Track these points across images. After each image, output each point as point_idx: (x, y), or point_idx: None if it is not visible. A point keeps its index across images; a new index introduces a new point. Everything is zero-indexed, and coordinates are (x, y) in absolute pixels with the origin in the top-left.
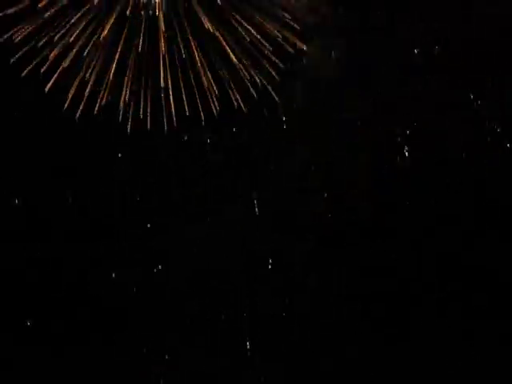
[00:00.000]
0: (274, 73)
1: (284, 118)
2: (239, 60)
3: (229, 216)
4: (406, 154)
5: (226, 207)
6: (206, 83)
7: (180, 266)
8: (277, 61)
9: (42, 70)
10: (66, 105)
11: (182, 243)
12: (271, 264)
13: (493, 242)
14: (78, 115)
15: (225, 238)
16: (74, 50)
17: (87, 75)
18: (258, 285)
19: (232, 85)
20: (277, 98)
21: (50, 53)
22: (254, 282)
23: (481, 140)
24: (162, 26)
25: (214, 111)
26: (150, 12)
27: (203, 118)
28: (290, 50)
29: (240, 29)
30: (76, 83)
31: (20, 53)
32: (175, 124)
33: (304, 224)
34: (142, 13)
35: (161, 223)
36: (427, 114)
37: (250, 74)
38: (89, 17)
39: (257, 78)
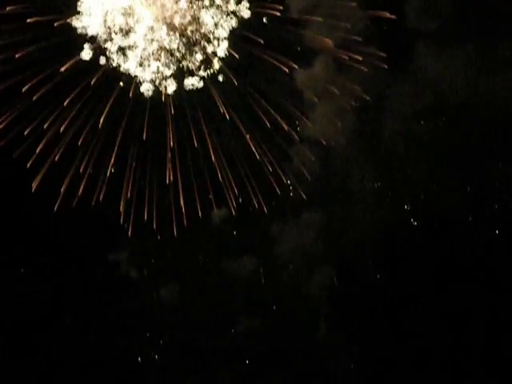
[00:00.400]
0: (305, 172)
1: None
2: (261, 151)
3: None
4: (415, 223)
5: (237, 276)
6: (221, 177)
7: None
8: (308, 153)
9: (28, 165)
10: (56, 206)
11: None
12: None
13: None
14: (69, 217)
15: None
16: (66, 140)
17: (81, 169)
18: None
19: (252, 181)
20: (305, 197)
21: (38, 143)
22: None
23: (483, 206)
24: (171, 111)
25: (233, 211)
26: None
27: (218, 221)
28: (323, 141)
29: (261, 113)
30: (68, 179)
31: (2, 143)
32: (185, 225)
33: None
34: (146, 89)
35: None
36: (433, 183)
37: (274, 168)
38: (83, 99)
39: (284, 178)
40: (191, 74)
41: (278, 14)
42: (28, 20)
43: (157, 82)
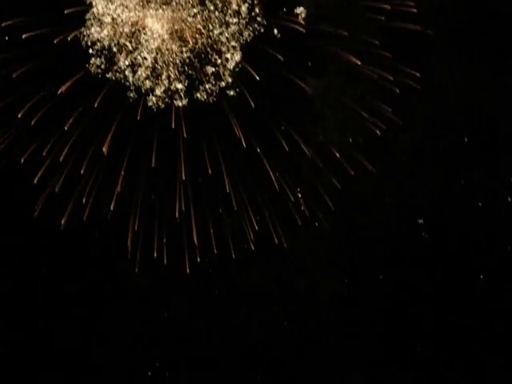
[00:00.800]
0: (329, 201)
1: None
2: (281, 178)
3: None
4: (425, 236)
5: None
6: (235, 206)
7: None
8: (335, 182)
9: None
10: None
11: None
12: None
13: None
14: (71, 253)
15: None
16: (67, 168)
17: (84, 199)
18: None
19: (272, 211)
20: (329, 229)
21: (36, 172)
22: None
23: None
24: (184, 133)
25: (252, 245)
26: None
27: (234, 255)
28: (352, 173)
29: (281, 139)
30: (68, 211)
31: None
32: (198, 259)
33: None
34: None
35: None
36: (443, 204)
37: (295, 197)
38: (85, 123)
39: (305, 208)
40: (202, 87)
41: (302, 30)
42: (24, 35)
43: (166, 97)
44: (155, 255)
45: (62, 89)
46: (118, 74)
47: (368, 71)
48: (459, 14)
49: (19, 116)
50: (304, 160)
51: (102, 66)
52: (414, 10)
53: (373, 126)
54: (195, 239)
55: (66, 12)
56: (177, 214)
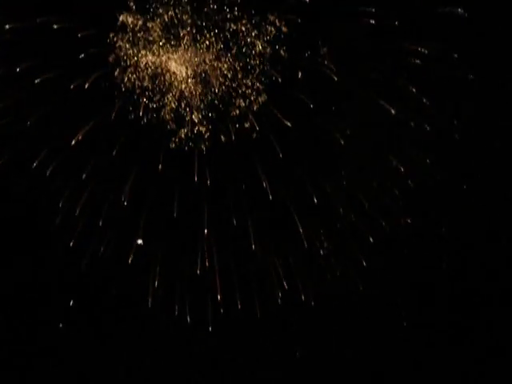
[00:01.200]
0: (361, 257)
1: None
2: (311, 233)
3: None
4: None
5: None
6: (259, 253)
7: None
8: (368, 236)
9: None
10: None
11: None
12: None
13: None
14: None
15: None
16: (84, 220)
17: (101, 250)
18: None
19: (299, 268)
20: (361, 288)
21: (52, 224)
22: None
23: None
24: (208, 182)
25: (279, 300)
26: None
27: (259, 315)
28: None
29: (312, 191)
30: (84, 264)
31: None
32: (221, 311)
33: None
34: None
35: None
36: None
37: (325, 253)
38: (103, 172)
39: (336, 266)
40: (225, 129)
41: (331, 73)
42: (39, 79)
43: (190, 140)
44: (176, 313)
45: (80, 135)
46: (140, 117)
47: (403, 118)
48: (502, 58)
49: (34, 166)
50: (334, 213)
51: (125, 109)
52: (455, 55)
53: (408, 177)
54: (219, 296)
55: (89, 54)
56: (198, 271)
